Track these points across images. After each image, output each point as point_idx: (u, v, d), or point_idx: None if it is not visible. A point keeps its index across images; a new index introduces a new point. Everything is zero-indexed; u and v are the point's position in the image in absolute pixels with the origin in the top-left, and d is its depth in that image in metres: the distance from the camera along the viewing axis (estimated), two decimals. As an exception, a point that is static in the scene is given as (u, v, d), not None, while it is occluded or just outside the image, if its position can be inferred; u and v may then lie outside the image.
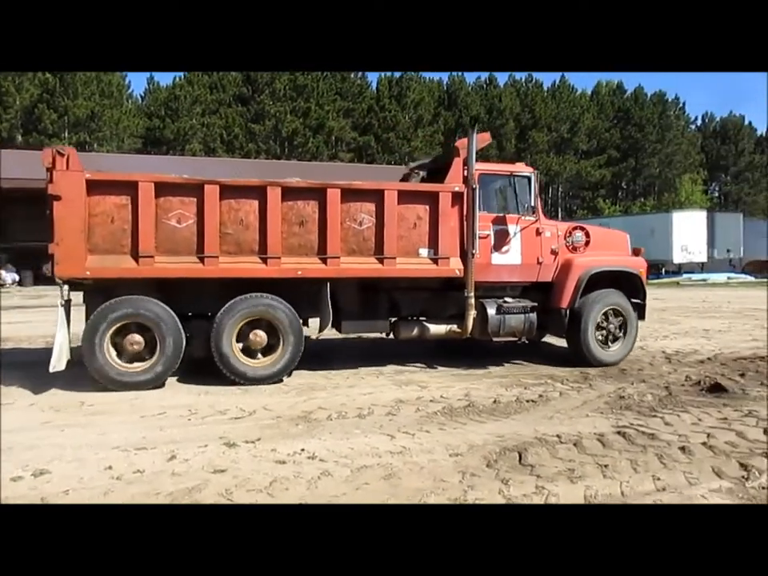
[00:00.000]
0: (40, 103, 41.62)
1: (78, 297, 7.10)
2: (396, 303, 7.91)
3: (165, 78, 49.07)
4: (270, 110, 47.38)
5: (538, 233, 8.12)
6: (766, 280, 30.80)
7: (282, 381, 7.15)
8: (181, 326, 6.76)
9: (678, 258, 31.78)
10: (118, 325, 6.62)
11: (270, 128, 47.80)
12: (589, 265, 8.22)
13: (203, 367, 7.03)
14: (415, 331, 7.90)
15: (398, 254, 7.36)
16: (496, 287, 8.07)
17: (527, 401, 6.32)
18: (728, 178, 63.26)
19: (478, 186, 7.56)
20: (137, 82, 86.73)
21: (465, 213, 7.57)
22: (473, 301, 7.61)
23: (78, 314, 7.00)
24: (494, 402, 6.28)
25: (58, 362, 6.45)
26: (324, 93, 48.74)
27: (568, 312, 8.11)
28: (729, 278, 31.80)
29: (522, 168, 8.35)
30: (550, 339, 9.27)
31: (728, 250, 34.05)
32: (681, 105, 61.84)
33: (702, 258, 32.80)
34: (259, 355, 7.10)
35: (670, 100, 60.36)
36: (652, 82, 68.57)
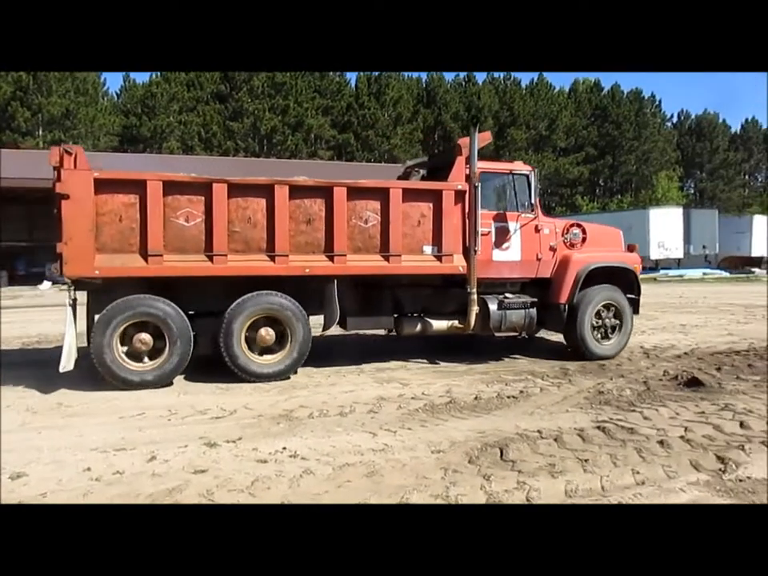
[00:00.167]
0: (13, 101, 40.81)
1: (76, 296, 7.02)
2: (399, 300, 8.03)
3: (141, 76, 48.40)
4: (249, 107, 47.02)
5: (537, 230, 8.31)
6: (740, 275, 31.32)
7: (289, 377, 7.19)
8: (189, 325, 6.77)
9: (655, 254, 32.17)
10: (128, 324, 6.60)
11: (249, 126, 47.44)
12: (586, 261, 8.40)
13: (198, 366, 6.98)
14: (418, 327, 8.03)
15: (403, 251, 7.49)
16: (496, 283, 8.24)
17: (508, 397, 6.35)
18: (703, 175, 64.09)
19: (479, 184, 7.67)
20: (112, 80, 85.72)
21: (467, 210, 7.68)
22: (475, 297, 7.75)
23: (63, 312, 6.91)
24: (476, 398, 6.31)
25: (68, 362, 6.44)
26: (302, 90, 48.48)
27: (566, 307, 8.26)
28: (704, 273, 32.27)
29: (520, 166, 8.53)
30: (540, 334, 9.33)
31: (704, 246, 34.56)
32: (657, 102, 62.57)
33: (679, 254, 33.24)
34: (266, 352, 7.15)
35: (646, 98, 61.00)
36: (628, 80, 69.19)
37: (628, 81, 71.16)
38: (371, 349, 8.46)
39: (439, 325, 8.03)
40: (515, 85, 56.67)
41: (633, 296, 8.71)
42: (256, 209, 6.91)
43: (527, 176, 8.29)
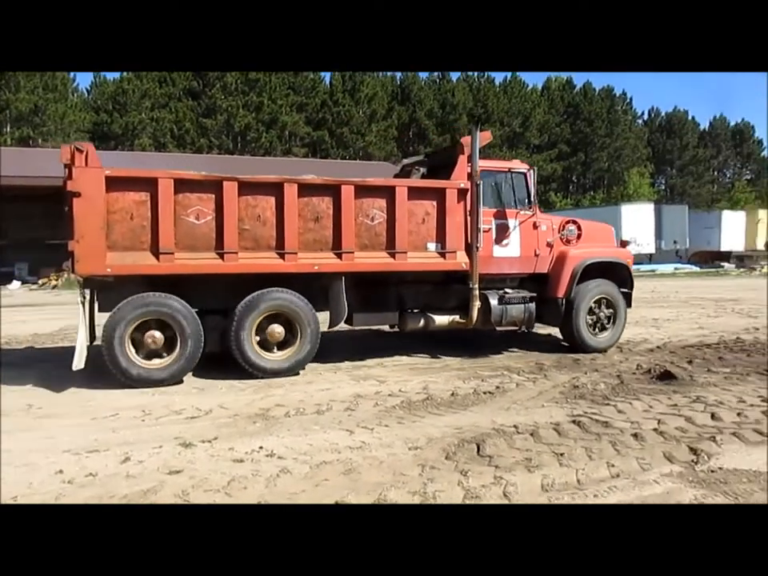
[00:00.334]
0: (-20, 97, 40.08)
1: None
2: (401, 296, 8.14)
3: (111, 72, 47.68)
4: (222, 104, 46.57)
5: (535, 226, 8.53)
6: (710, 270, 31.87)
7: (298, 374, 7.24)
8: (200, 322, 6.78)
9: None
10: (139, 321, 6.59)
11: (222, 123, 46.99)
12: (583, 256, 8.62)
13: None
14: (421, 323, 8.15)
15: (408, 248, 7.60)
16: (496, 279, 8.44)
17: (484, 392, 6.38)
18: (673, 172, 65.04)
19: (481, 182, 7.82)
20: (82, 76, 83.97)
21: (469, 208, 7.82)
22: (477, 292, 7.91)
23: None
24: (452, 394, 6.33)
25: (80, 361, 6.41)
26: (277, 87, 48.16)
27: (564, 301, 8.47)
28: (676, 268, 32.78)
29: (518, 165, 8.76)
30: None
31: (675, 242, 35.09)
32: (628, 100, 63.31)
33: (650, 249, 33.70)
34: (275, 349, 7.20)
35: (617, 95, 61.67)
36: (600, 78, 69.84)
37: (599, 79, 71.88)
38: (348, 346, 8.46)
39: (441, 320, 8.17)
40: (489, 82, 56.96)
41: (626, 290, 8.96)
42: (265, 207, 6.96)
43: (525, 174, 8.52)
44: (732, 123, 67.65)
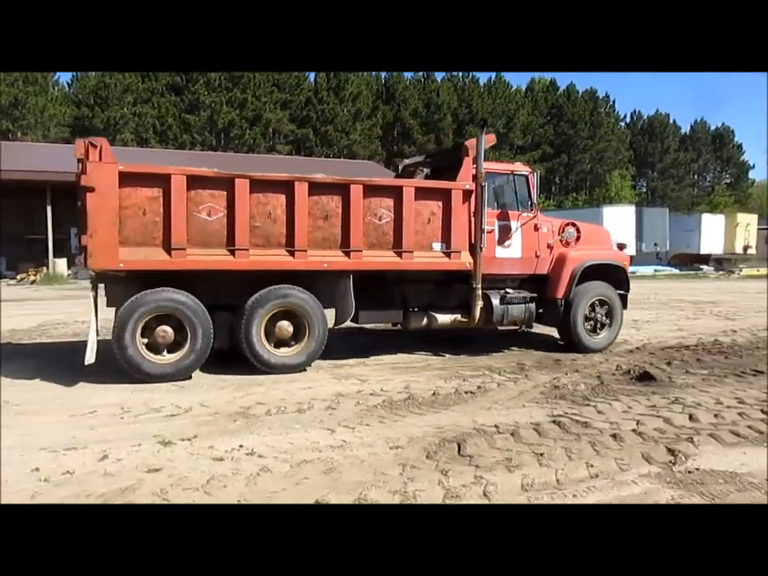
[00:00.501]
0: (-42, 90, 39.45)
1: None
2: (405, 295, 8.26)
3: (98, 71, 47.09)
4: (205, 100, 46.23)
5: (536, 228, 8.71)
6: (690, 272, 32.24)
7: (305, 370, 7.33)
8: (210, 318, 6.82)
9: (609, 251, 32.77)
10: (150, 316, 6.61)
11: (205, 119, 46.63)
12: (582, 258, 8.79)
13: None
14: (424, 321, 8.27)
15: (414, 247, 7.71)
16: (498, 279, 8.58)
17: (466, 392, 6.40)
18: (654, 174, 65.72)
19: (486, 184, 7.96)
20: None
21: (473, 209, 7.93)
22: (480, 292, 8.05)
23: (41, 306, 6.68)
24: (434, 394, 6.34)
25: (92, 356, 6.42)
26: (261, 84, 47.92)
27: (563, 302, 8.63)
28: (656, 270, 33.12)
29: (520, 167, 8.98)
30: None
31: (655, 244, 35.43)
32: (611, 103, 63.83)
33: (631, 251, 33.91)
34: (283, 345, 7.29)
35: (600, 98, 62.17)
36: (583, 80, 70.46)
37: (583, 81, 72.48)
38: (329, 345, 8.38)
39: (444, 319, 8.30)
40: (474, 83, 57.15)
41: (622, 292, 9.14)
42: (276, 204, 7.02)
43: (527, 177, 8.70)
44: (712, 127, 68.51)
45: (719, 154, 68.57)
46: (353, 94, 51.02)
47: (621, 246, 9.92)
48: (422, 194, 7.73)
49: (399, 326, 8.66)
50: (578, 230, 9.01)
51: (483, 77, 58.21)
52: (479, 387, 6.63)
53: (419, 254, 7.74)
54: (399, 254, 7.63)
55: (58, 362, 7.65)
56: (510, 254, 8.52)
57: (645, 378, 6.96)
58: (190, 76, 46.85)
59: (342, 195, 7.30)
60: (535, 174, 8.78)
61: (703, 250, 36.45)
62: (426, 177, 8.83)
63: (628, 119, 67.18)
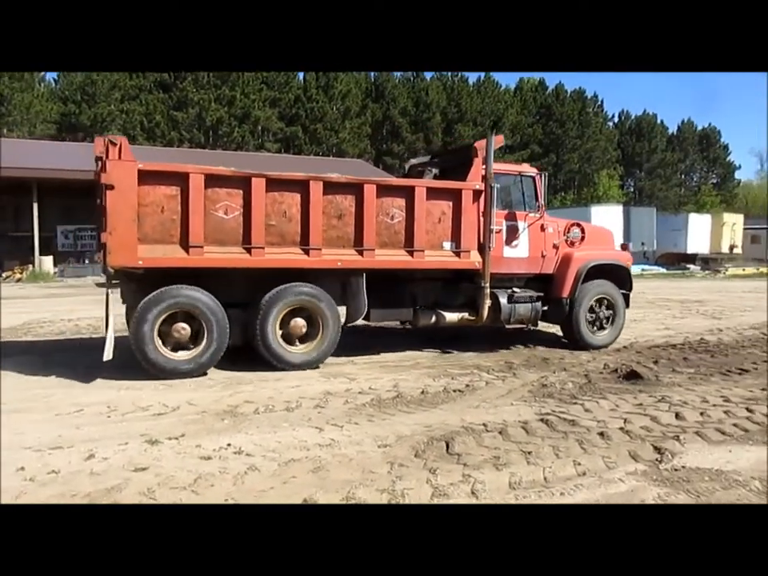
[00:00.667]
0: (-58, 85, 38.97)
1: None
2: (415, 293, 8.36)
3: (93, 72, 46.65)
4: (193, 97, 45.92)
5: (543, 228, 8.87)
6: (677, 271, 32.47)
7: (318, 367, 7.43)
8: (226, 315, 6.89)
9: (597, 250, 32.92)
10: (168, 313, 6.68)
11: (194, 116, 46.33)
12: (587, 258, 8.96)
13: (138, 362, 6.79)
14: (433, 319, 8.38)
15: (426, 246, 7.82)
16: (505, 278, 8.70)
17: (454, 391, 6.41)
18: (642, 174, 66.02)
19: (495, 185, 8.08)
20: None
21: (483, 209, 8.05)
22: (488, 291, 8.17)
23: (27, 304, 6.62)
24: (422, 392, 6.34)
25: (109, 352, 6.47)
26: (249, 82, 47.68)
27: (568, 301, 8.77)
28: (643, 269, 33.25)
29: (527, 168, 9.16)
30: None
31: (642, 243, 35.59)
32: (599, 102, 64.07)
33: (619, 250, 34.13)
34: (297, 342, 7.40)
35: (588, 97, 62.39)
36: (572, 80, 70.71)
37: (571, 80, 72.76)
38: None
39: (452, 317, 8.41)
40: (463, 82, 57.16)
41: (625, 291, 9.31)
42: (291, 203, 7.10)
43: (534, 178, 8.83)
44: (699, 128, 68.93)
45: (706, 154, 69.00)
46: (342, 92, 50.89)
47: (624, 246, 10.13)
48: (433, 193, 7.84)
49: (408, 324, 8.78)
50: (582, 231, 9.18)
51: (472, 76, 58.36)
52: (468, 385, 6.64)
53: (430, 253, 7.86)
54: (411, 253, 7.75)
55: (43, 360, 7.59)
56: (517, 253, 8.68)
57: (632, 376, 7.00)
58: (178, 73, 46.53)
59: (356, 195, 7.41)
60: (543, 175, 8.91)
61: (690, 250, 36.68)
62: (435, 177, 8.98)
63: (616, 119, 67.54)
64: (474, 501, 3.65)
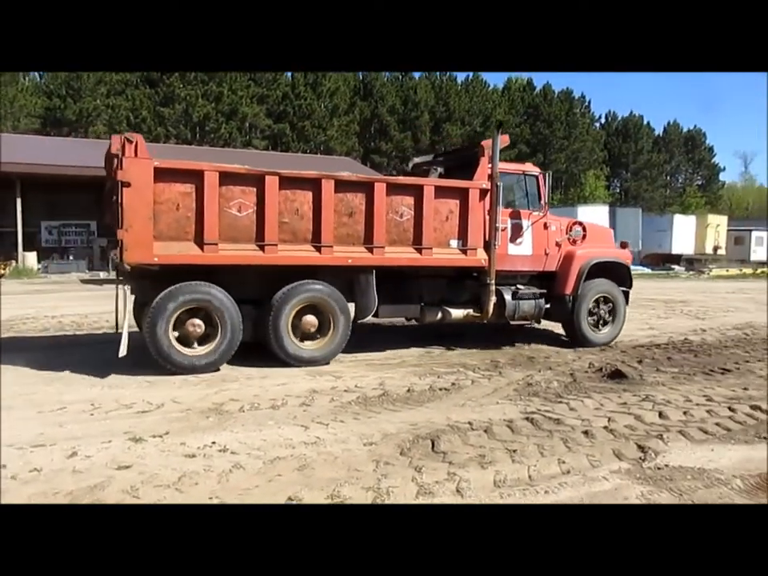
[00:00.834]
0: (-76, 79, 38.40)
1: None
2: (421, 290, 8.46)
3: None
4: (180, 93, 45.62)
5: (546, 227, 9.00)
6: (661, 272, 32.72)
7: (328, 363, 7.52)
8: (240, 312, 6.97)
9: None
10: (182, 309, 6.74)
11: (180, 112, 46.04)
12: (589, 256, 9.11)
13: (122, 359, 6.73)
14: (439, 315, 8.49)
15: (433, 244, 7.94)
16: (509, 276, 8.82)
17: (440, 389, 6.42)
18: (628, 175, 66.43)
19: (500, 183, 8.18)
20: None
21: (488, 207, 8.18)
22: (493, 288, 8.35)
23: (8, 300, 6.55)
24: (408, 390, 6.34)
25: (124, 348, 6.50)
26: (237, 78, 47.43)
27: (571, 298, 8.92)
28: (628, 269, 33.48)
29: (531, 168, 9.28)
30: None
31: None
32: (586, 103, 64.38)
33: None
34: (307, 339, 7.50)
35: (576, 98, 62.65)
36: (559, 80, 70.92)
37: (559, 81, 73.05)
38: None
39: (457, 313, 8.52)
40: (451, 81, 57.24)
41: (625, 289, 9.48)
42: (303, 201, 7.17)
43: (537, 177, 8.97)
44: (685, 129, 69.49)
45: (691, 156, 69.56)
46: (330, 90, 50.79)
47: (624, 245, 10.29)
48: (441, 192, 7.96)
49: (414, 320, 8.88)
50: (584, 229, 9.31)
51: (461, 75, 58.45)
52: (453, 384, 6.65)
53: (438, 251, 7.97)
54: (419, 251, 7.86)
55: (26, 357, 7.51)
56: (522, 251, 8.81)
57: (616, 375, 7.05)
58: (165, 68, 46.18)
59: (366, 193, 7.50)
60: (547, 174, 8.99)
61: (675, 250, 36.98)
62: (441, 176, 9.06)
63: (603, 120, 67.90)
64: (459, 499, 3.66)
